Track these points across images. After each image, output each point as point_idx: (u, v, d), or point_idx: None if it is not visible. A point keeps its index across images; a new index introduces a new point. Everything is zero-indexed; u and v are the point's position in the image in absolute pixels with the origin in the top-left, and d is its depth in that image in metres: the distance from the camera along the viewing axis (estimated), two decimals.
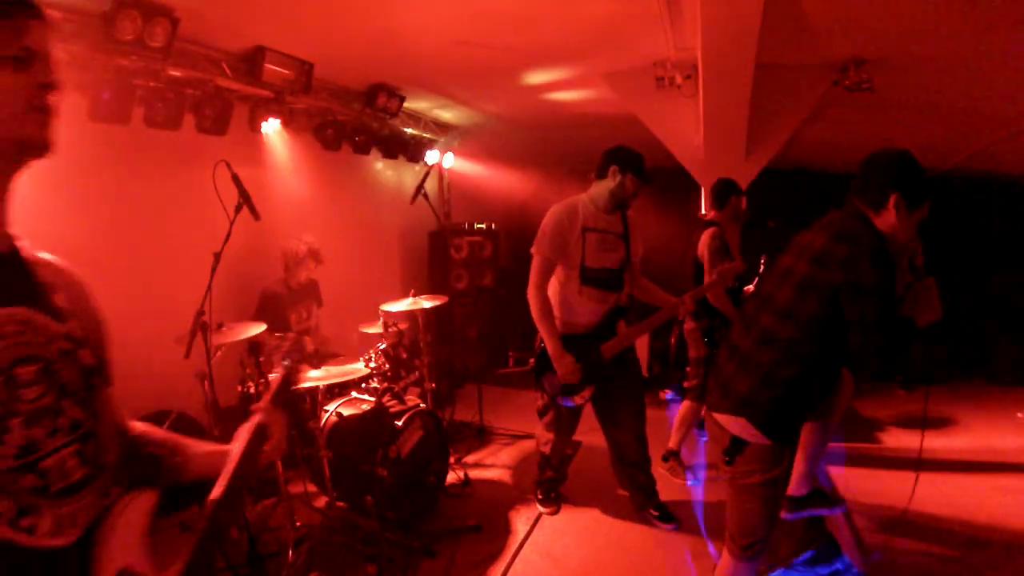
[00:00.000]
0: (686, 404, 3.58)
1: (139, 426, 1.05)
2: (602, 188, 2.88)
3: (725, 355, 1.97)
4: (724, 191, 3.52)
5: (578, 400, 2.94)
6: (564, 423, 3.09)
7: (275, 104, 3.79)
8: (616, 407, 3.05)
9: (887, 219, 1.76)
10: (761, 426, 1.78)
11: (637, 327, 2.99)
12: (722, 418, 1.88)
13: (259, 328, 2.96)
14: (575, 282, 2.87)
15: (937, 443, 4.07)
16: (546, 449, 3.20)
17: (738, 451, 1.84)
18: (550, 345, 2.83)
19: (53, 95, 0.81)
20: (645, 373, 5.32)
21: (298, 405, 3.01)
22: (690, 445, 3.71)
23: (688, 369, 3.59)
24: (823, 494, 2.90)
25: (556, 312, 2.90)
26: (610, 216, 2.90)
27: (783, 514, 2.71)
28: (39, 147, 0.81)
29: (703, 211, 4.12)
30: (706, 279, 3.30)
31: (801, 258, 1.82)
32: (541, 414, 3.14)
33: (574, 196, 2.93)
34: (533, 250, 2.86)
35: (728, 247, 3.45)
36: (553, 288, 2.92)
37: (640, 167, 2.85)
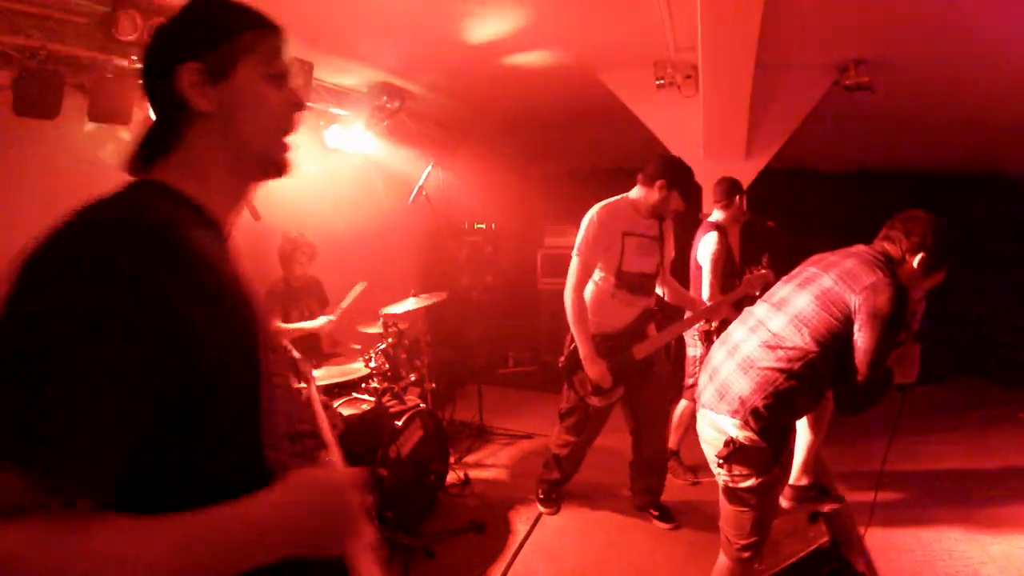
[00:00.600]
0: (685, 404, 3.58)
1: None
2: (646, 197, 2.84)
3: (723, 354, 1.96)
4: (729, 190, 3.45)
5: (609, 400, 2.94)
6: (591, 425, 3.08)
7: None
8: (644, 409, 3.05)
9: (907, 271, 1.83)
10: (758, 430, 1.78)
11: (668, 330, 3.00)
12: (718, 418, 1.87)
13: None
14: (610, 284, 2.86)
15: (937, 443, 4.08)
16: (562, 452, 3.18)
17: (734, 454, 1.83)
18: (584, 349, 2.80)
19: (299, 116, 0.84)
20: None
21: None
22: (690, 445, 3.71)
23: (686, 368, 3.58)
24: (824, 488, 2.90)
25: (589, 312, 2.87)
26: (648, 221, 2.89)
27: (785, 504, 2.72)
28: (282, 168, 0.85)
29: (703, 211, 4.11)
30: (711, 282, 3.28)
31: (828, 272, 1.86)
32: (564, 416, 3.12)
33: (616, 198, 2.90)
34: (574, 252, 2.84)
35: (731, 252, 3.44)
36: (587, 288, 2.91)
37: (688, 187, 2.84)
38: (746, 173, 4.03)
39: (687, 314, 3.14)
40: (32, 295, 0.59)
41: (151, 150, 0.79)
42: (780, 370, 1.78)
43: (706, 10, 2.60)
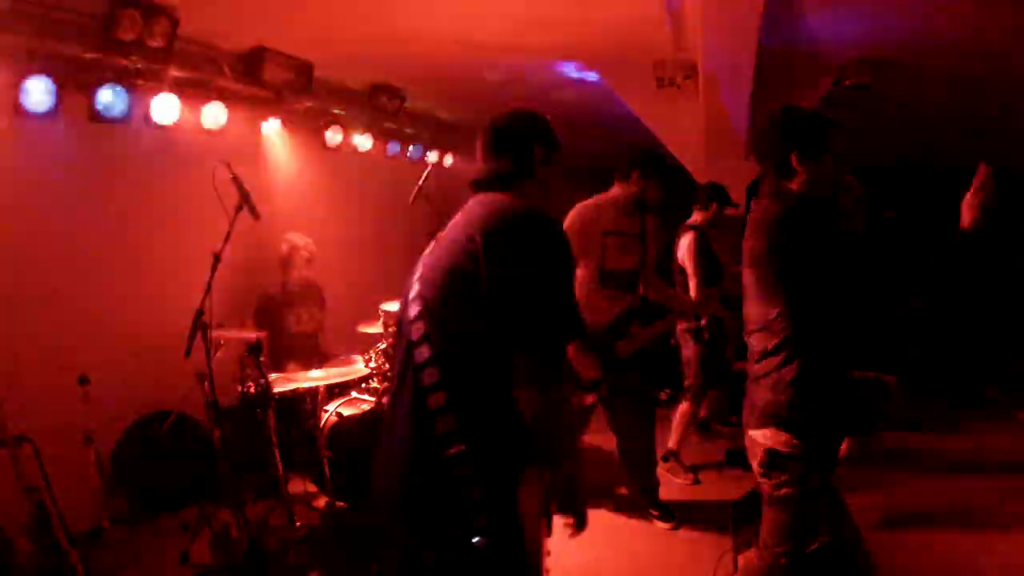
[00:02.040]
0: (683, 405, 3.59)
1: None
2: (624, 192, 2.87)
3: (748, 377, 2.00)
4: (708, 194, 3.53)
5: (591, 398, 2.94)
6: (577, 421, 3.08)
7: (275, 104, 3.80)
8: (627, 407, 3.05)
9: (802, 178, 1.77)
10: (793, 427, 1.79)
11: (651, 328, 3.01)
12: (754, 433, 1.89)
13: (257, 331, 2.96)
14: (593, 281, 2.88)
15: (937, 443, 4.08)
16: None
17: (773, 464, 1.84)
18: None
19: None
20: None
21: None
22: (690, 445, 3.72)
23: (682, 369, 3.60)
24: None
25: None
26: (630, 218, 2.91)
27: None
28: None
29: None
30: (691, 284, 3.33)
31: (748, 267, 1.86)
32: None
33: (597, 196, 2.92)
34: None
35: (712, 251, 3.46)
36: None
37: (664, 175, 2.87)
38: (746, 173, 4.03)
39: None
40: (545, 249, 1.35)
41: (505, 180, 1.48)
42: (780, 366, 1.80)
43: (706, 10, 2.61)
